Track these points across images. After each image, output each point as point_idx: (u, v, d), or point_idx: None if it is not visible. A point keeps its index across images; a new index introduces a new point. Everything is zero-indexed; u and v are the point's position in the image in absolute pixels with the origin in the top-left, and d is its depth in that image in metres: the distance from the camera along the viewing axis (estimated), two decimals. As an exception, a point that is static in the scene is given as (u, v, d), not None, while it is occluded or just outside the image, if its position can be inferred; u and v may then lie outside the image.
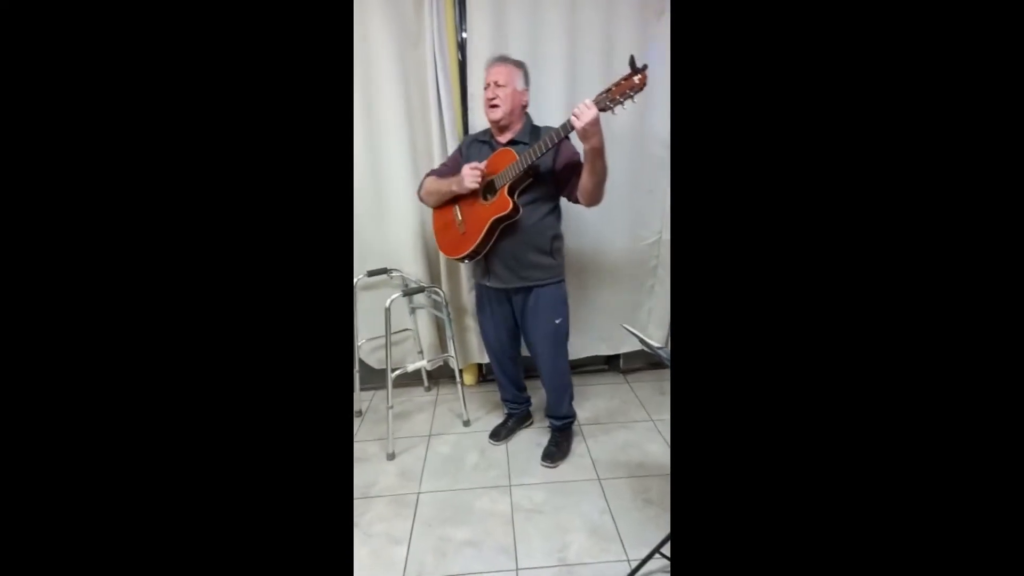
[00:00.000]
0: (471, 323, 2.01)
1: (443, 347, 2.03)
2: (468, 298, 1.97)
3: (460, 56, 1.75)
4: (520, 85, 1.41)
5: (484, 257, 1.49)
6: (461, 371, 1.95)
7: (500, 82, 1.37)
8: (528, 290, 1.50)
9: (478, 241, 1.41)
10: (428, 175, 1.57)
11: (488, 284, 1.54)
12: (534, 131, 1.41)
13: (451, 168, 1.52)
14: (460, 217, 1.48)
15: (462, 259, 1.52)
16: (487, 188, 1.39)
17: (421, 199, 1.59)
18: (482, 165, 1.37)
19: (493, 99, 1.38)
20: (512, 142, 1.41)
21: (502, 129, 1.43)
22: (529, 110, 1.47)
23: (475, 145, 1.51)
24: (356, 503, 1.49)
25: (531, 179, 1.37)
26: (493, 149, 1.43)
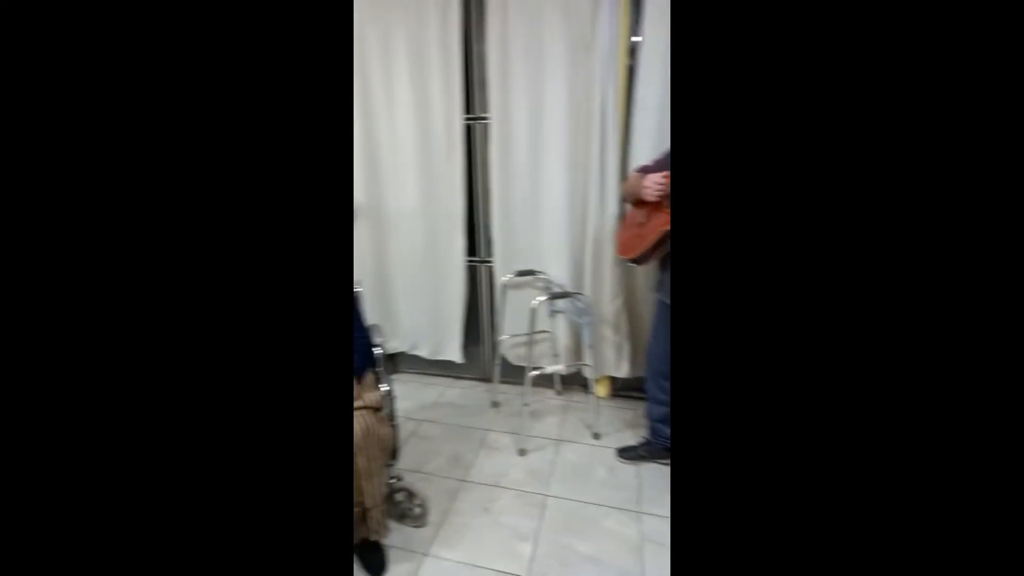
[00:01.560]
0: (609, 334, 1.96)
1: (578, 354, 2.02)
2: (609, 308, 1.93)
3: (629, 61, 1.72)
4: None
5: (659, 268, 1.43)
6: (595, 381, 1.91)
7: None
8: None
9: (645, 248, 1.37)
10: (637, 169, 1.53)
11: (657, 295, 1.49)
12: None
13: (660, 163, 1.46)
14: (643, 220, 1.43)
15: (630, 262, 1.48)
16: None
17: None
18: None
19: None
20: None
21: None
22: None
23: None
24: (487, 490, 1.56)
25: None
26: None
